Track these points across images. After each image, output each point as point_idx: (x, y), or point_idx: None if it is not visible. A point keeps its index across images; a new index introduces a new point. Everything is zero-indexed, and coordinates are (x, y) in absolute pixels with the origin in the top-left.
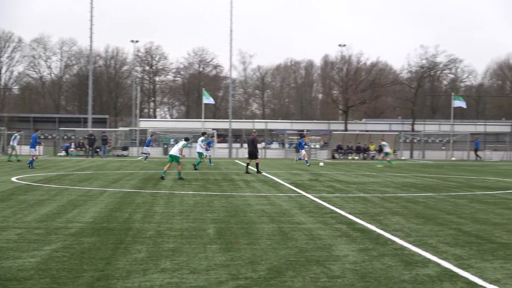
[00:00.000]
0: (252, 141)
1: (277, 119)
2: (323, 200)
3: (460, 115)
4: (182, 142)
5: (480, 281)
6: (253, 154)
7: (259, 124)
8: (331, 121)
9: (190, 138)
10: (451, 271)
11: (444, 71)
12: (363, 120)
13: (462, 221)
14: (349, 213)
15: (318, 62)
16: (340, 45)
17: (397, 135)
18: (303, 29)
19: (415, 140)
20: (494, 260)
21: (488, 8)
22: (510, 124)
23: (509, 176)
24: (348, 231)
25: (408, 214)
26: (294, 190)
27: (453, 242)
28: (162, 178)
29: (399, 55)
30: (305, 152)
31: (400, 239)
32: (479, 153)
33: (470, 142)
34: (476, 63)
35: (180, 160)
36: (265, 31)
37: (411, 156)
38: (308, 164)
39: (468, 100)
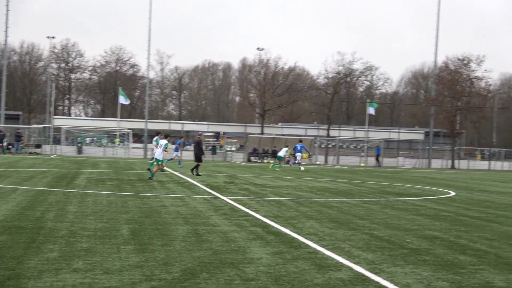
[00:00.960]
0: (198, 143)
1: (194, 121)
2: (238, 203)
3: (375, 121)
4: (164, 142)
5: (391, 286)
6: (198, 157)
7: (176, 125)
8: (247, 124)
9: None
10: (363, 275)
11: (360, 78)
12: (280, 124)
13: (375, 226)
14: (264, 216)
15: (236, 64)
16: (258, 49)
17: (312, 140)
18: (222, 31)
19: (330, 145)
20: (405, 265)
21: (404, 18)
22: (423, 132)
23: (421, 183)
24: (263, 234)
25: (322, 218)
26: (210, 192)
27: (365, 247)
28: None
29: (317, 60)
30: (298, 157)
31: (314, 243)
32: (380, 159)
33: (372, 148)
34: (392, 71)
35: (162, 162)
36: (184, 32)
37: (326, 161)
38: (302, 168)
39: (382, 108)
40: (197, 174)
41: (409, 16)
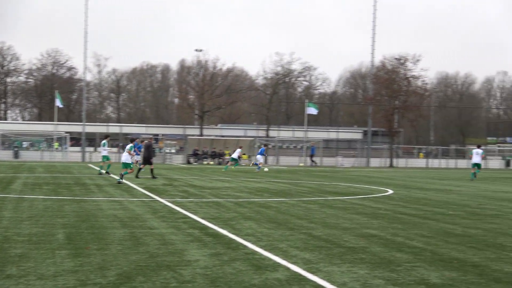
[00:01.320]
0: (148, 147)
1: (132, 123)
2: (176, 205)
3: (314, 121)
4: (130, 145)
5: (328, 285)
6: (147, 160)
7: (114, 128)
8: (186, 126)
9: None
10: (300, 275)
11: (298, 78)
12: (219, 125)
13: (313, 225)
14: (202, 218)
15: (174, 66)
16: (196, 50)
17: (251, 140)
18: (160, 33)
19: (269, 146)
20: (342, 264)
21: (342, 18)
22: (361, 131)
23: (359, 182)
24: (201, 236)
25: (261, 219)
26: (148, 195)
27: (303, 247)
28: (120, 181)
29: (256, 61)
30: (261, 160)
31: (252, 243)
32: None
33: (307, 148)
34: (330, 71)
35: (132, 166)
36: (121, 34)
37: (266, 162)
38: (258, 170)
39: (321, 107)
40: (153, 177)
41: (347, 16)
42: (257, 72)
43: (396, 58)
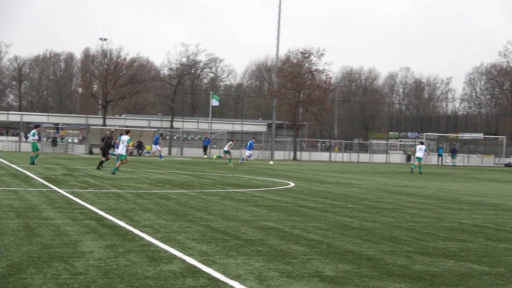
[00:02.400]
0: (107, 139)
1: (35, 112)
2: (74, 196)
3: (219, 113)
4: (127, 138)
5: (222, 277)
6: (104, 152)
7: (14, 116)
8: (90, 116)
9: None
10: (195, 267)
11: (204, 70)
12: (123, 116)
13: (212, 217)
14: (100, 209)
15: (78, 55)
16: (101, 39)
17: (155, 131)
18: (64, 20)
19: (174, 137)
20: (238, 256)
21: (248, 11)
22: (266, 124)
23: (263, 174)
24: (97, 227)
25: (160, 210)
26: (46, 185)
27: (200, 239)
28: (113, 173)
29: (161, 51)
30: (248, 153)
31: (149, 235)
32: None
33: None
34: (236, 63)
35: (124, 157)
36: (23, 20)
37: (170, 153)
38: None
39: (227, 99)
40: (98, 168)
41: (254, 9)
42: (162, 62)
43: (301, 52)
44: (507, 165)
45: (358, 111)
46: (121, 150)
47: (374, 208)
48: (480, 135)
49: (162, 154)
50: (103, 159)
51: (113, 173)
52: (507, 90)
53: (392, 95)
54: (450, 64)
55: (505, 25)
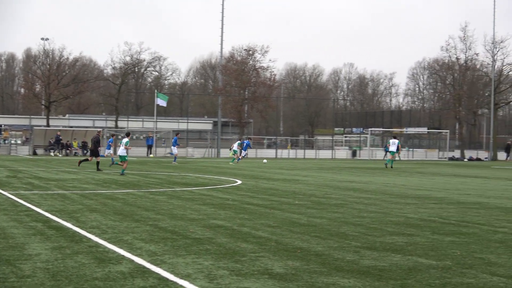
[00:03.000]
0: (96, 139)
1: None
2: (19, 198)
3: (164, 112)
4: (126, 140)
5: (171, 277)
6: (94, 152)
7: None
8: (33, 116)
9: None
10: (144, 267)
11: (148, 69)
12: (67, 116)
13: (160, 217)
14: (46, 211)
15: (20, 55)
16: (42, 39)
17: (100, 131)
18: (4, 20)
19: (119, 137)
20: (187, 255)
21: (191, 8)
22: (211, 122)
23: (209, 173)
24: (43, 229)
25: (107, 211)
26: None
27: (148, 238)
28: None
29: (104, 51)
30: (244, 153)
31: (96, 236)
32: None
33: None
34: (180, 61)
35: (126, 158)
36: None
37: (115, 153)
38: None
39: (172, 98)
40: (98, 169)
41: (197, 6)
42: (106, 61)
43: (245, 49)
44: (451, 158)
45: (303, 107)
46: (121, 151)
47: (322, 204)
48: (424, 130)
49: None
50: (97, 159)
51: (122, 174)
52: (450, 85)
53: (337, 91)
54: (393, 60)
55: (447, 20)
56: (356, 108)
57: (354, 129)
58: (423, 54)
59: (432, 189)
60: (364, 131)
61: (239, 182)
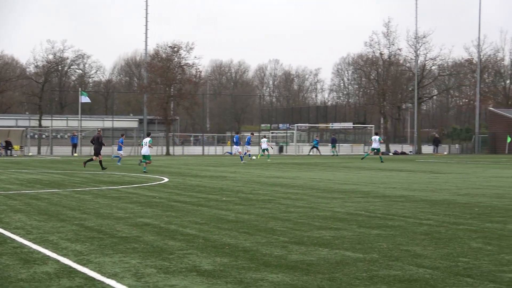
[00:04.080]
0: (97, 138)
1: None
2: None
3: (89, 110)
4: (148, 139)
5: (98, 276)
6: (97, 151)
7: None
8: None
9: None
10: (70, 267)
11: (72, 67)
12: None
13: (86, 216)
14: None
15: None
16: None
17: (23, 130)
18: None
19: (43, 136)
20: (114, 254)
21: (114, 5)
22: (137, 119)
23: (135, 171)
24: None
25: (31, 211)
26: None
27: (74, 238)
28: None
29: (26, 49)
30: (240, 149)
31: (21, 237)
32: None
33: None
34: (104, 59)
35: (150, 158)
36: None
37: (39, 152)
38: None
39: (96, 96)
40: (103, 168)
41: (120, 2)
42: (28, 60)
43: (169, 46)
44: (376, 153)
45: (229, 104)
46: (145, 151)
47: (249, 200)
48: (350, 125)
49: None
50: (99, 158)
51: (145, 172)
52: (374, 80)
53: (263, 87)
54: (318, 56)
55: (370, 16)
56: (282, 104)
57: (280, 125)
58: (348, 50)
59: (358, 183)
60: (290, 127)
61: (166, 179)
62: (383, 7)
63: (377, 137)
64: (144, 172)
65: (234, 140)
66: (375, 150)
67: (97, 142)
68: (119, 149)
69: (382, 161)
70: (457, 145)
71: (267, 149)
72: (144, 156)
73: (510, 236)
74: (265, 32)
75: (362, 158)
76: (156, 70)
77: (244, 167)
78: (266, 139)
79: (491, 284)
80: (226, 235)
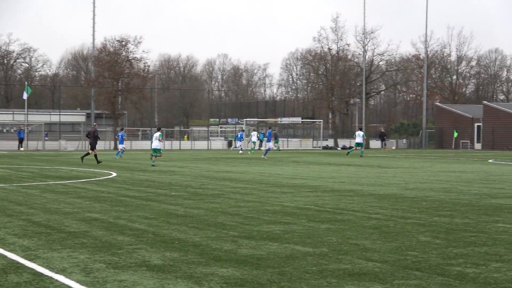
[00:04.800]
0: (93, 133)
1: None
2: None
3: (35, 104)
4: (158, 133)
5: (46, 271)
6: (92, 145)
7: None
8: None
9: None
10: (18, 262)
11: (18, 60)
12: None
13: (33, 211)
14: None
15: None
16: None
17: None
18: None
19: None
20: (62, 249)
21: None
22: (84, 114)
23: (83, 165)
24: None
25: None
26: None
27: (21, 233)
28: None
29: None
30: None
31: None
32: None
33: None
34: (51, 52)
35: (161, 151)
36: None
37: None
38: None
39: (43, 90)
40: (98, 162)
41: None
42: None
43: (117, 40)
44: (325, 147)
45: (178, 98)
46: (155, 144)
47: (198, 195)
48: (298, 119)
49: None
50: (95, 152)
51: (153, 165)
52: (322, 75)
53: (211, 82)
54: (266, 50)
55: (319, 11)
56: (231, 98)
57: (229, 120)
58: (296, 45)
59: (307, 177)
60: (239, 122)
61: (114, 174)
62: (331, 2)
63: (361, 133)
64: (153, 165)
65: (239, 136)
66: (359, 145)
67: (93, 136)
68: (121, 142)
69: (361, 156)
70: (404, 140)
71: (254, 142)
72: (154, 150)
73: (458, 230)
74: (213, 26)
75: (347, 154)
76: (103, 64)
77: (193, 162)
78: (256, 133)
79: (439, 277)
80: (176, 230)
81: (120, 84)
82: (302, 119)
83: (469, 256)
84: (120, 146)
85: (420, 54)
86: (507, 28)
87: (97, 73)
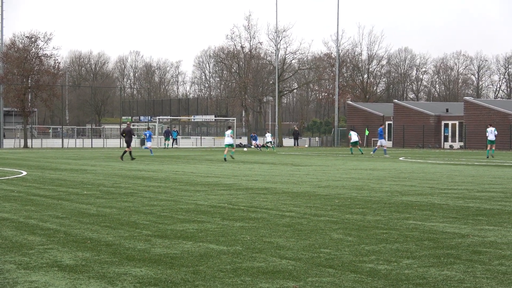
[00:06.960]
0: (129, 131)
1: None
2: None
3: None
4: (230, 131)
5: None
6: (128, 143)
7: None
8: None
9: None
10: None
11: None
12: None
13: None
14: None
15: None
16: None
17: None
18: None
19: None
20: None
21: None
22: None
23: None
24: None
25: None
26: None
27: None
28: (225, 159)
29: None
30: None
31: None
32: None
33: None
34: None
35: (233, 145)
36: None
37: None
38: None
39: None
40: (132, 158)
41: None
42: None
43: (26, 37)
44: (238, 146)
45: (89, 96)
46: (228, 141)
47: (111, 194)
48: (212, 117)
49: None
50: (130, 149)
51: (225, 159)
52: (235, 73)
53: (123, 79)
54: (179, 48)
55: (232, 8)
56: (144, 96)
57: (142, 118)
58: (209, 43)
59: (220, 176)
60: (152, 120)
61: (24, 173)
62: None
63: (355, 133)
64: (231, 157)
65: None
66: (355, 143)
67: (128, 134)
68: (149, 140)
69: (352, 153)
70: (317, 138)
71: (271, 142)
72: (227, 145)
73: (369, 227)
74: (125, 23)
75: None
76: (12, 60)
77: (105, 160)
78: (270, 134)
79: (352, 274)
80: (88, 229)
81: (30, 81)
82: (215, 117)
83: (381, 253)
84: (148, 144)
85: (332, 53)
86: (416, 27)
87: (6, 70)
